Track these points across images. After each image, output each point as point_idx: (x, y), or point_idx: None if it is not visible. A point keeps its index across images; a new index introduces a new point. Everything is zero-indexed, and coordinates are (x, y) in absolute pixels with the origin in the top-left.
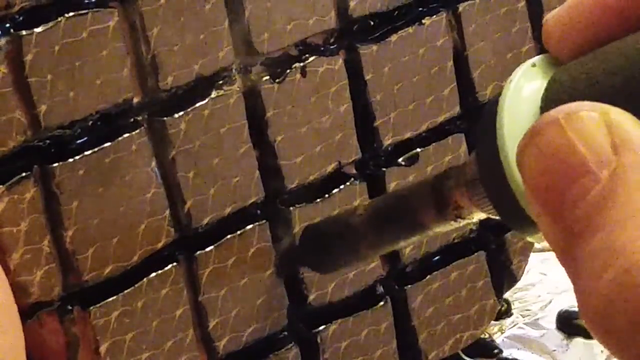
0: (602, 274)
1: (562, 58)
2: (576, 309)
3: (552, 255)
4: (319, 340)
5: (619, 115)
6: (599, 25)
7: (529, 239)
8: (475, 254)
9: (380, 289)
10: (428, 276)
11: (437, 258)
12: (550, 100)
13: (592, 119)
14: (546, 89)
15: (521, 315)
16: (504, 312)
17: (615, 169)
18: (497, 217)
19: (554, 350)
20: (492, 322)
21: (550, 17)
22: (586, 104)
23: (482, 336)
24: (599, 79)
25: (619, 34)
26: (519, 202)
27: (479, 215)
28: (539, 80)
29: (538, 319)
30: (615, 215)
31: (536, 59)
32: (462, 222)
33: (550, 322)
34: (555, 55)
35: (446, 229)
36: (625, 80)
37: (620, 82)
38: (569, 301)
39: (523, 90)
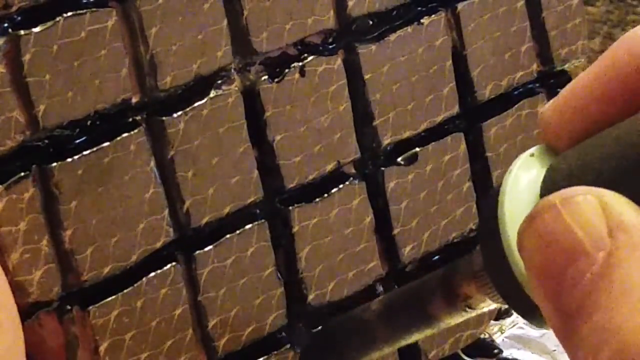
0: (598, 353)
1: (559, 147)
2: None
3: None
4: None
5: (614, 198)
6: (593, 114)
7: (537, 326)
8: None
9: (380, 289)
10: None
11: (436, 257)
12: (548, 188)
13: (588, 203)
14: (544, 178)
15: None
16: (504, 312)
17: (610, 251)
18: (506, 306)
19: (554, 350)
20: (492, 322)
21: (545, 109)
22: (582, 188)
23: (482, 336)
24: (595, 165)
25: (612, 121)
26: (524, 290)
27: (488, 305)
28: (538, 169)
29: None
30: (610, 295)
31: (534, 149)
32: (473, 312)
33: None
34: (552, 145)
35: (457, 320)
36: (619, 164)
37: (614, 167)
38: None
39: (522, 180)
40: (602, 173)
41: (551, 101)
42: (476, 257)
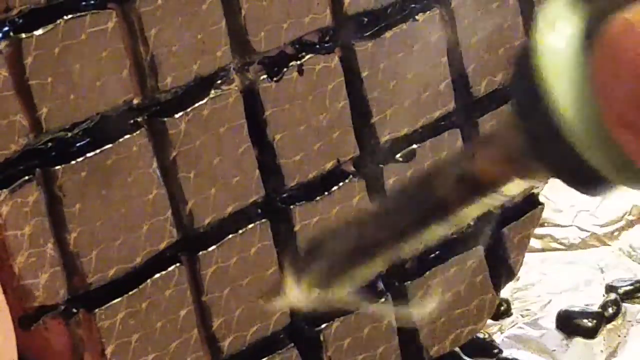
0: None
1: None
2: (576, 309)
3: (552, 255)
4: (322, 338)
5: None
6: None
7: (593, 194)
8: (473, 249)
9: (381, 285)
10: (427, 272)
11: (436, 254)
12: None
13: None
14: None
15: (521, 315)
16: (504, 312)
17: None
18: (544, 182)
19: (554, 350)
20: (492, 322)
21: None
22: None
23: (482, 336)
24: None
25: None
26: (582, 157)
27: (518, 188)
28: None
29: (538, 318)
30: None
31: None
32: (498, 198)
33: (550, 322)
34: None
35: (474, 211)
36: None
37: None
38: (569, 301)
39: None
40: None
41: None
42: (507, 139)
